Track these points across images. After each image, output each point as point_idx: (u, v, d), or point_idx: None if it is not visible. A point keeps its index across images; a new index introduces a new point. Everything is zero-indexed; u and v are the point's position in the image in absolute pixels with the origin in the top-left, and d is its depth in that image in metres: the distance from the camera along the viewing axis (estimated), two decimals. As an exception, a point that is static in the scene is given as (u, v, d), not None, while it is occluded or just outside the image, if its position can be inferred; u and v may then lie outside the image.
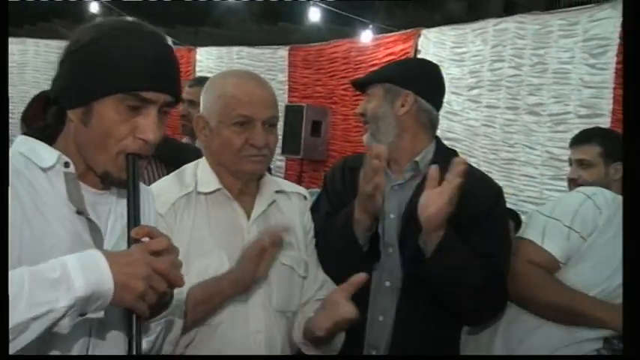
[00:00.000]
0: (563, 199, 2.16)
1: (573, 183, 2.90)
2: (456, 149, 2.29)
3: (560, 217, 1.97)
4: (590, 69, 4.56)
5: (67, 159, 1.30)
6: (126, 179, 1.28)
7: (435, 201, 1.77)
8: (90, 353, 1.29)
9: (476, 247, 1.87)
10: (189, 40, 8.16)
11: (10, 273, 1.09)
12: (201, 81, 3.91)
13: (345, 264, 1.87)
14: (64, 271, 1.09)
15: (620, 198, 1.97)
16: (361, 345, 1.98)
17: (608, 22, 4.40)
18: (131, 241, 1.22)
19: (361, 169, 1.84)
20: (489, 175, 4.76)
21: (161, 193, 1.67)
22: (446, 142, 2.05)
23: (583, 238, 1.94)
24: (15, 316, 1.05)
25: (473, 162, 5.29)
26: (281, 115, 6.43)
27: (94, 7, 7.06)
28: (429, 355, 1.96)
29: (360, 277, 1.71)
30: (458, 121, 5.35)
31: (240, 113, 1.73)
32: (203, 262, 1.70)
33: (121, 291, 1.13)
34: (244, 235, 1.77)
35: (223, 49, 7.85)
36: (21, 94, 8.14)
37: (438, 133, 2.13)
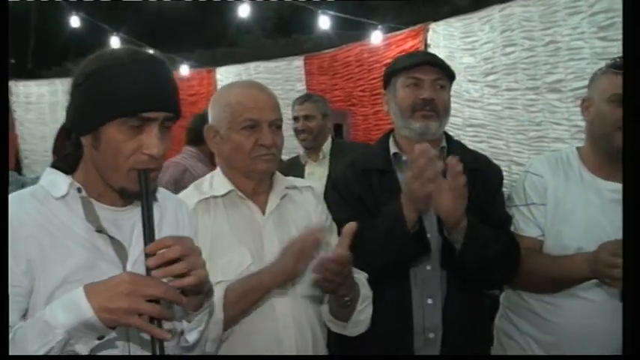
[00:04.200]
0: (514, 186, 2.30)
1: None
2: (480, 135, 2.37)
3: (516, 202, 2.19)
4: (602, 42, 4.58)
5: (78, 185, 1.46)
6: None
7: (448, 201, 1.90)
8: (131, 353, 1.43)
9: (490, 216, 2.07)
10: (208, 61, 8.35)
11: (22, 326, 1.30)
12: (310, 97, 4.17)
13: (402, 261, 2.02)
14: (52, 313, 1.26)
15: (550, 153, 2.22)
16: (412, 329, 2.08)
17: (610, -7, 4.45)
18: (146, 255, 1.30)
19: (407, 171, 1.92)
20: (520, 154, 4.80)
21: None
22: (471, 129, 2.13)
23: (543, 204, 2.12)
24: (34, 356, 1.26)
25: (501, 144, 5.22)
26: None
27: (114, 42, 7.22)
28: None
29: (352, 226, 1.76)
30: (479, 107, 5.31)
31: (247, 117, 1.86)
32: (226, 257, 1.83)
33: (106, 314, 1.23)
34: (261, 230, 1.89)
35: (241, 67, 7.98)
36: (55, 133, 8.40)
37: (461, 121, 2.26)
